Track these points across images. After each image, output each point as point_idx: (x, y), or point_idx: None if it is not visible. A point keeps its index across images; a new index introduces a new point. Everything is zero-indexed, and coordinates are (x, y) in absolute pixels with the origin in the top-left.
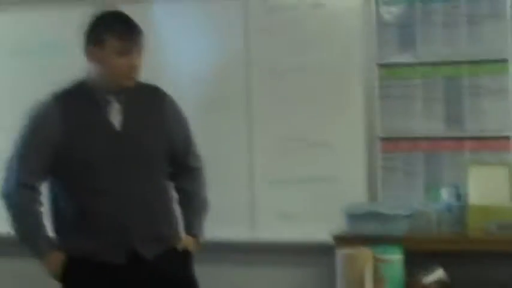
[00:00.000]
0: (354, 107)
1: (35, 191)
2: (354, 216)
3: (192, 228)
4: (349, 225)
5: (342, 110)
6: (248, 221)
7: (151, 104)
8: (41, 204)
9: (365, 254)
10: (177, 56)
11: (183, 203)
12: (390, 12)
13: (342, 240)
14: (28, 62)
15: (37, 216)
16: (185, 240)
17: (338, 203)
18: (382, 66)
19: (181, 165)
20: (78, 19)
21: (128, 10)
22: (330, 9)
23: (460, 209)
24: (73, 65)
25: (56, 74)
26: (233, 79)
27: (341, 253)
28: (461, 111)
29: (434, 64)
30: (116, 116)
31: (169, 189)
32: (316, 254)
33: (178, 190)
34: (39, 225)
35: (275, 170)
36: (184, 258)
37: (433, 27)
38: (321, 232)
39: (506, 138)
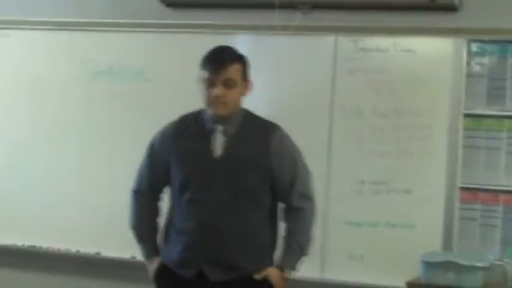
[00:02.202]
0: (437, 155)
1: (145, 197)
2: (429, 264)
3: (281, 261)
4: (424, 273)
5: (424, 156)
6: (319, 260)
7: (258, 139)
8: (152, 210)
9: None
10: (262, 87)
11: (284, 239)
12: (481, 63)
13: (416, 287)
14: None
15: (144, 221)
16: (269, 271)
17: (412, 249)
18: (469, 116)
19: (285, 203)
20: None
21: (218, 40)
22: (420, 56)
23: None
24: None
25: None
26: (315, 118)
27: None
28: None
29: None
30: (218, 145)
31: (268, 222)
32: None
33: (286, 225)
34: (147, 230)
35: (351, 212)
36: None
37: None
38: (393, 277)
39: None
